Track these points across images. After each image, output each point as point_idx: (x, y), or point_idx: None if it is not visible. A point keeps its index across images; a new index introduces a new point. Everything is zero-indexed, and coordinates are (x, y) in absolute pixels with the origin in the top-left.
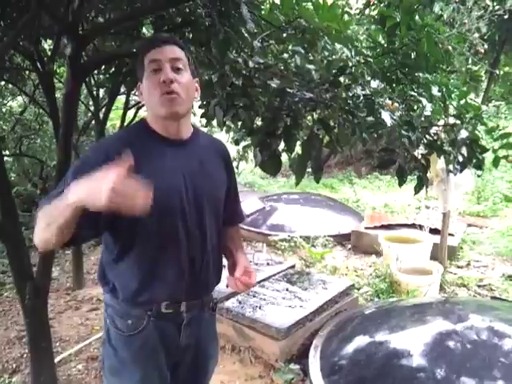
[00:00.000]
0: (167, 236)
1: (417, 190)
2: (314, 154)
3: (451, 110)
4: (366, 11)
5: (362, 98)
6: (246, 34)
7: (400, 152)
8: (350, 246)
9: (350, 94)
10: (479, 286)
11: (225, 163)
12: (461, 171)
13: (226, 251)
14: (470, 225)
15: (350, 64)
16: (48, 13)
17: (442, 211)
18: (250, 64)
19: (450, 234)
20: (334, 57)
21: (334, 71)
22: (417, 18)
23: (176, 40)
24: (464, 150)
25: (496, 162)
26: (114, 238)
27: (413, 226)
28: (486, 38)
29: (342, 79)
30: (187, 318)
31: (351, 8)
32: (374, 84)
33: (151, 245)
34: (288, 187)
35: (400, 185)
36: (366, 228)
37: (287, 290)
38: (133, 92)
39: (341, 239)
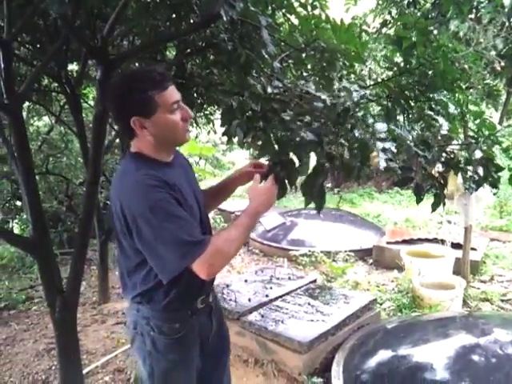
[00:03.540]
0: None
1: (434, 207)
2: (316, 188)
3: (470, 128)
4: (383, 30)
5: (360, 140)
6: (266, 56)
7: (417, 170)
8: (371, 261)
9: (351, 135)
10: (503, 301)
11: (192, 171)
12: (476, 189)
13: (220, 190)
14: (492, 239)
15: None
16: (78, 39)
17: (464, 225)
18: (269, 90)
19: (472, 249)
20: (341, 95)
21: (338, 111)
22: (432, 37)
23: None
24: (480, 169)
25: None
26: None
27: (435, 240)
28: (502, 53)
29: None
30: (213, 306)
31: (369, 26)
32: (378, 126)
33: None
34: None
35: (417, 202)
36: (388, 243)
37: (309, 304)
38: None
39: (362, 254)
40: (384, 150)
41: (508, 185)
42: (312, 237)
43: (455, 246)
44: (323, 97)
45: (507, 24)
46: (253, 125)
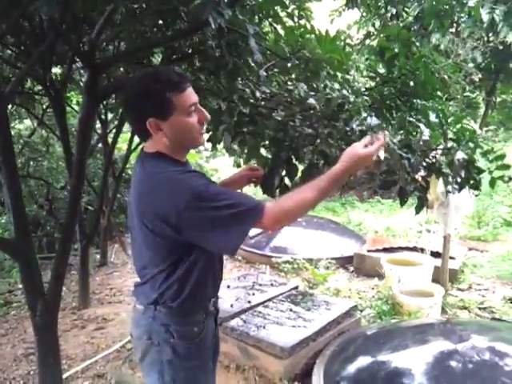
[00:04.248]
0: None
1: (417, 209)
2: None
3: (450, 135)
4: (366, 41)
5: (358, 133)
6: (252, 64)
7: (401, 174)
8: (352, 269)
9: (348, 128)
10: (480, 309)
11: None
12: (459, 191)
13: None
14: (470, 249)
15: (350, 100)
16: (66, 42)
17: (443, 234)
18: (257, 94)
19: (451, 258)
20: (334, 94)
21: (333, 107)
22: (414, 48)
23: None
24: (461, 172)
25: (492, 183)
26: (185, 258)
27: (414, 249)
28: (481, 67)
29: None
30: (218, 310)
31: (352, 39)
32: (370, 120)
33: (207, 257)
34: None
35: (401, 205)
36: (369, 251)
37: (291, 310)
38: None
39: (343, 262)
40: None
41: (486, 196)
42: (294, 244)
43: (434, 254)
44: (312, 100)
45: (485, 38)
46: (241, 129)
